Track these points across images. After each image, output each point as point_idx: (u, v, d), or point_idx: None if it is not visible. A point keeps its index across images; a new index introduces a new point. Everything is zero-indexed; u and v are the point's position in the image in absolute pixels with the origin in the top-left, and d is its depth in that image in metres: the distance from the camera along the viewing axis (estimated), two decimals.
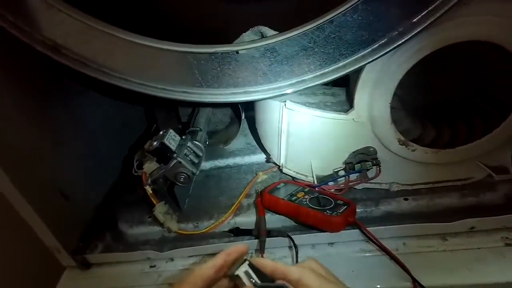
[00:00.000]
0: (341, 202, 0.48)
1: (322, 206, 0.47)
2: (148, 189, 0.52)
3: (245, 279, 0.30)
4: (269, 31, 0.47)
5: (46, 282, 0.52)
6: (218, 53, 0.42)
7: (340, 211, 0.46)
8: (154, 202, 0.52)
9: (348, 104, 0.51)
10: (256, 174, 0.60)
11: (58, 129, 0.55)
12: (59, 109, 0.56)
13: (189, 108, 0.68)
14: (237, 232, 0.52)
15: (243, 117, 0.65)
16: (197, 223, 0.54)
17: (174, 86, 0.45)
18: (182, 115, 0.69)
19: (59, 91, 0.56)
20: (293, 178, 0.56)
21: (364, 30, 0.38)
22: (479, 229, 0.48)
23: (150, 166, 0.52)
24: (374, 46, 0.40)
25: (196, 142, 0.55)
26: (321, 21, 0.39)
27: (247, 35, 0.50)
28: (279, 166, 0.58)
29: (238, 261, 0.32)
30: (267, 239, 0.47)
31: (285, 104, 0.50)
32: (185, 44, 0.43)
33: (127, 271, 0.52)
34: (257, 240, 0.49)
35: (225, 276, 0.32)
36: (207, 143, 0.64)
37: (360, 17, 0.38)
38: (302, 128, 0.51)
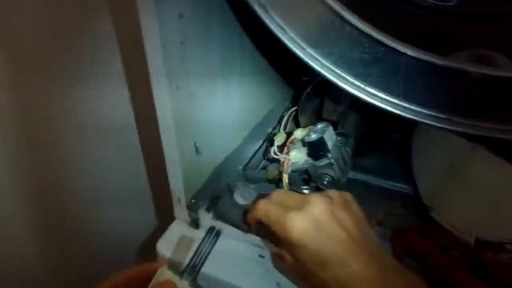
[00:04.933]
0: (502, 281, 0.40)
1: (485, 277, 0.39)
2: (286, 177, 0.48)
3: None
4: (502, 60, 0.39)
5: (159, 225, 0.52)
6: (444, 67, 0.36)
7: None
8: None
9: None
10: (393, 204, 0.53)
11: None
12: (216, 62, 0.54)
13: (335, 106, 0.63)
14: None
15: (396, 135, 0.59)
16: None
17: (369, 87, 0.40)
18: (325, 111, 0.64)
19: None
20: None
21: None
22: None
23: (298, 155, 0.48)
24: None
25: (348, 149, 0.50)
26: None
27: (462, 56, 0.43)
28: (426, 206, 0.50)
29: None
30: None
31: (475, 147, 0.42)
32: (404, 43, 0.38)
33: (234, 250, 0.50)
34: None
35: None
36: None
37: None
38: (482, 180, 0.43)
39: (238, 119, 0.67)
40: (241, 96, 0.65)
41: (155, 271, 0.36)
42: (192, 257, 0.37)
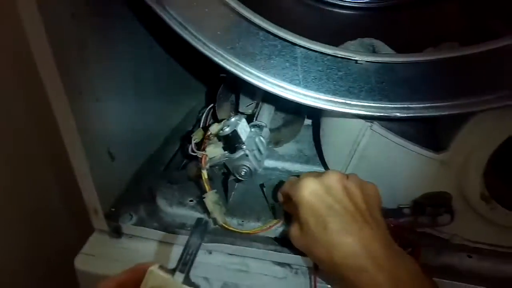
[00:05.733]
0: (406, 242, 0.45)
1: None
2: (205, 174, 0.49)
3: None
4: (383, 47, 0.44)
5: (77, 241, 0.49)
6: (335, 56, 0.39)
7: (406, 251, 0.43)
8: (208, 188, 0.48)
9: (432, 140, 0.48)
10: None
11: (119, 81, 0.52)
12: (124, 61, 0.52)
13: (249, 99, 0.65)
14: (284, 243, 0.49)
15: (307, 123, 0.62)
16: (242, 221, 0.51)
17: (272, 78, 0.42)
18: (241, 104, 0.66)
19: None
20: None
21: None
22: None
23: (215, 150, 0.49)
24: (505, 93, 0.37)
25: (262, 139, 0.52)
26: (460, 53, 0.36)
27: (353, 45, 0.47)
28: None
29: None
30: None
31: (371, 126, 0.47)
32: (299, 36, 0.40)
33: (161, 252, 0.49)
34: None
35: None
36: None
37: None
38: (380, 154, 0.48)
39: (156, 121, 0.65)
40: (156, 97, 0.63)
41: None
42: (182, 254, 0.36)
